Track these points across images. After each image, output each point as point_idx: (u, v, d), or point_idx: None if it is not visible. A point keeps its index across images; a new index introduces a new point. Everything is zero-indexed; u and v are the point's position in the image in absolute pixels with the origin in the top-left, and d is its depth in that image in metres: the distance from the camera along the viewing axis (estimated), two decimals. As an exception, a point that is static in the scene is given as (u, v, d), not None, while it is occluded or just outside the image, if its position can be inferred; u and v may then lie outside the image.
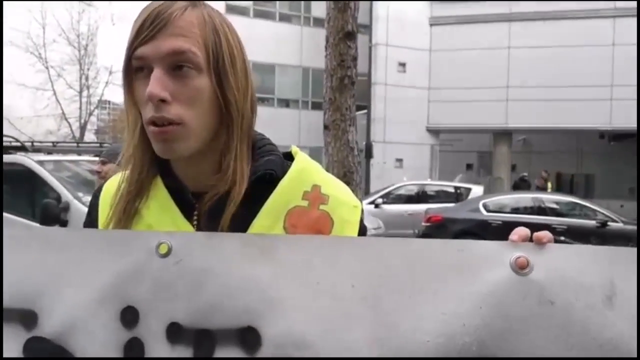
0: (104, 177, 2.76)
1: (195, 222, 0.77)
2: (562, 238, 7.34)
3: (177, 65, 0.71)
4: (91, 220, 0.86)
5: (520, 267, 0.61)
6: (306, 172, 0.81)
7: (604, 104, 17.74)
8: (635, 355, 0.58)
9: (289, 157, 0.84)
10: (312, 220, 0.77)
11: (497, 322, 0.60)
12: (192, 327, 0.63)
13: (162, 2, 0.73)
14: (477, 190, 11.28)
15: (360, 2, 4.04)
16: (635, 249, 0.61)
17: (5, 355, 0.64)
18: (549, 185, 17.11)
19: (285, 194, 0.78)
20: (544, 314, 0.59)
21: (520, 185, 17.34)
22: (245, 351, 0.62)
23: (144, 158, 0.78)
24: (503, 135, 19.45)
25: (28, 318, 0.64)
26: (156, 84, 0.70)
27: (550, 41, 17.82)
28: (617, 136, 19.29)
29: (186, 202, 0.78)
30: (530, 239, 0.63)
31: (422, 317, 0.61)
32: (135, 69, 0.73)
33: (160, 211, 0.78)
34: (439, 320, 0.60)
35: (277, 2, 20.86)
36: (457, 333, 0.60)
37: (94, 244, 0.66)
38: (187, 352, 0.62)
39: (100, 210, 0.83)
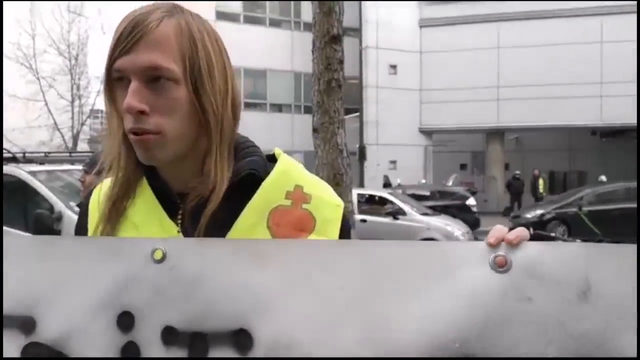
0: (87, 187, 2.76)
1: (179, 221, 0.79)
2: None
3: (153, 77, 0.73)
4: (81, 225, 0.88)
5: (499, 266, 0.63)
6: (289, 173, 0.83)
7: (594, 101, 17.88)
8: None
9: (272, 159, 0.86)
10: (295, 218, 0.79)
11: (479, 319, 0.62)
12: (186, 330, 0.65)
13: (140, 10, 0.75)
14: None
15: (350, 6, 4.07)
16: (610, 245, 0.63)
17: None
18: (541, 183, 17.24)
19: (269, 193, 0.80)
20: (522, 310, 0.61)
21: (513, 184, 17.47)
22: (237, 352, 0.64)
23: (128, 161, 0.80)
24: (495, 134, 19.55)
25: (26, 324, 0.66)
26: (133, 96, 0.72)
27: (539, 40, 17.96)
28: (608, 133, 19.45)
29: (171, 202, 0.80)
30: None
31: (407, 316, 0.63)
32: (115, 79, 0.75)
33: (146, 211, 0.80)
34: (423, 319, 0.62)
35: (268, 6, 20.92)
36: (441, 331, 0.62)
37: (90, 252, 0.68)
38: (182, 354, 0.64)
39: (90, 214, 0.85)
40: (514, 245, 0.64)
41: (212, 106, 0.76)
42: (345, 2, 4.06)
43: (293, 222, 0.79)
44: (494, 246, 0.64)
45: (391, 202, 10.37)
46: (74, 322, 0.66)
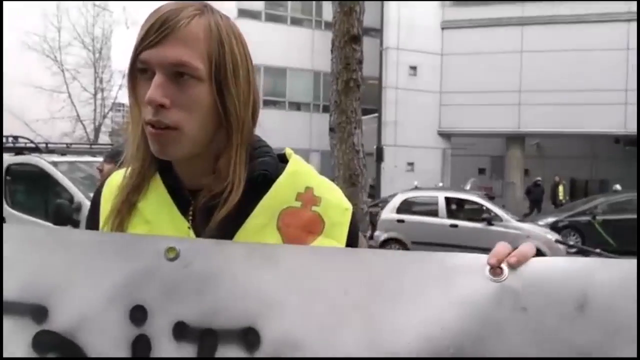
0: (104, 176, 2.80)
1: (190, 218, 0.80)
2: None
3: (178, 72, 0.74)
4: (93, 216, 0.89)
5: (495, 275, 0.65)
6: (300, 174, 0.84)
7: (618, 108, 17.53)
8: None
9: (283, 159, 0.87)
10: (304, 220, 0.80)
11: (473, 326, 0.63)
12: (197, 326, 0.67)
13: (171, 6, 0.75)
14: None
15: (372, 6, 4.08)
16: (611, 260, 0.64)
17: (12, 346, 0.68)
18: (561, 190, 16.97)
19: (280, 194, 0.81)
20: (516, 319, 0.63)
21: (533, 190, 17.22)
22: (245, 350, 0.66)
23: (145, 154, 0.81)
24: (516, 139, 19.30)
25: (38, 312, 0.68)
26: (156, 89, 0.73)
27: (563, 45, 17.66)
28: (632, 141, 19.04)
29: (183, 198, 0.82)
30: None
31: (405, 321, 0.65)
32: (139, 70, 0.76)
33: (158, 206, 0.82)
34: (420, 324, 0.64)
35: (289, 4, 20.98)
36: (436, 336, 0.64)
37: (106, 246, 0.71)
38: (192, 349, 0.66)
39: (102, 205, 0.87)
40: (514, 268, 0.65)
41: (235, 108, 0.77)
42: (366, 2, 4.06)
43: (302, 223, 0.80)
44: (495, 266, 0.65)
45: (478, 204, 9.74)
46: (86, 313, 0.68)
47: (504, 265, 0.65)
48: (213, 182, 0.79)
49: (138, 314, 0.67)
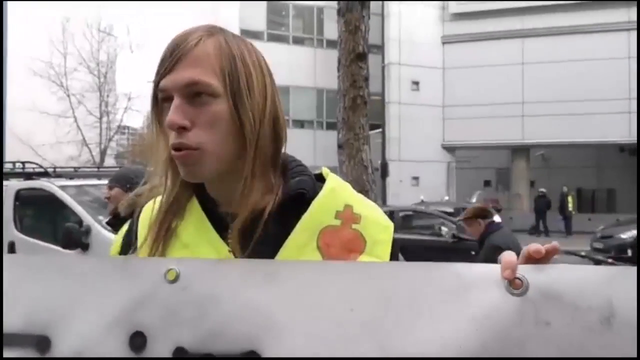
0: (113, 202, 2.79)
1: (229, 240, 0.79)
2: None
3: (195, 93, 0.74)
4: (129, 242, 0.88)
5: (515, 288, 0.61)
6: (338, 192, 0.82)
7: (622, 117, 17.52)
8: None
9: (320, 178, 0.86)
10: (345, 239, 0.78)
11: (493, 343, 0.60)
12: (197, 351, 0.64)
13: (181, 33, 0.77)
14: None
15: (372, 23, 4.13)
16: (634, 268, 0.60)
17: None
18: (570, 200, 16.89)
19: (319, 213, 0.79)
20: (540, 335, 0.59)
21: (537, 201, 17.14)
22: None
23: (176, 180, 0.81)
24: (521, 150, 19.30)
25: (42, 343, 0.66)
26: (175, 112, 0.73)
27: (564, 56, 17.75)
28: (637, 149, 18.98)
29: (221, 221, 0.80)
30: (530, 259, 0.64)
31: (419, 340, 0.61)
32: (162, 99, 0.77)
33: (196, 231, 0.80)
34: (436, 343, 0.61)
35: (291, 24, 21.23)
36: (454, 356, 0.60)
37: (105, 271, 0.69)
38: None
39: (139, 231, 0.86)
40: (548, 258, 0.62)
41: (249, 121, 0.76)
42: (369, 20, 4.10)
43: (343, 242, 0.78)
44: (511, 279, 0.62)
45: None
46: (87, 341, 0.66)
47: (524, 277, 0.61)
48: (241, 205, 0.77)
49: (138, 341, 0.65)
